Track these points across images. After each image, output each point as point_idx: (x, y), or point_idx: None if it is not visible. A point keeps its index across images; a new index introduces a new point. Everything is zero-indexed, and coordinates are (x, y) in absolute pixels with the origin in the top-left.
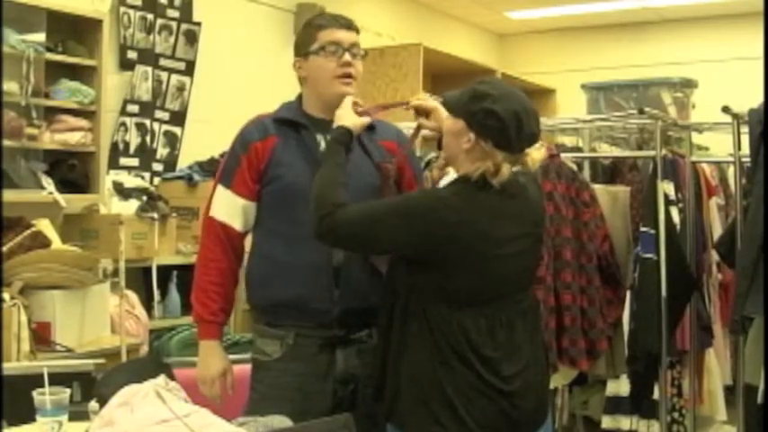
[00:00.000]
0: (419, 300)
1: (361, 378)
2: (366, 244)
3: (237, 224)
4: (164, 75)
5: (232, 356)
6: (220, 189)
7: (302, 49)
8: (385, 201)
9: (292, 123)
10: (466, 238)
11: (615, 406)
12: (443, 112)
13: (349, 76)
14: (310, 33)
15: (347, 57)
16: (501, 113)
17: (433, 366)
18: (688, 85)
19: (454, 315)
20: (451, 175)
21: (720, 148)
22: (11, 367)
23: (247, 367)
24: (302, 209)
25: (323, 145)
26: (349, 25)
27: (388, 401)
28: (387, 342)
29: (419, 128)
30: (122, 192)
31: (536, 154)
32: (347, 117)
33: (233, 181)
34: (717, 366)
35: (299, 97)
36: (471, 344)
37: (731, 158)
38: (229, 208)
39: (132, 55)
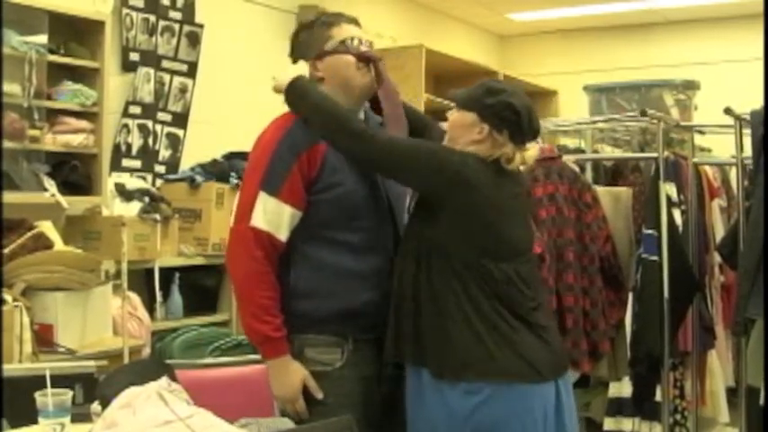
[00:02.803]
0: (440, 259)
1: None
2: (399, 173)
3: (283, 235)
4: (166, 76)
5: (235, 358)
6: (264, 197)
7: (314, 51)
8: (419, 141)
9: None
10: (484, 192)
11: (617, 408)
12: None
13: (368, 61)
14: (321, 33)
15: (364, 47)
16: (518, 106)
17: (476, 309)
18: (690, 86)
19: (480, 266)
20: None
21: (723, 149)
22: (13, 369)
23: (248, 368)
24: (367, 217)
25: None
26: (356, 21)
27: (435, 360)
28: (416, 304)
29: None
30: (124, 193)
31: (532, 151)
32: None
33: (281, 188)
34: (719, 368)
35: None
36: (499, 289)
37: (733, 160)
38: (275, 217)
39: (134, 57)
